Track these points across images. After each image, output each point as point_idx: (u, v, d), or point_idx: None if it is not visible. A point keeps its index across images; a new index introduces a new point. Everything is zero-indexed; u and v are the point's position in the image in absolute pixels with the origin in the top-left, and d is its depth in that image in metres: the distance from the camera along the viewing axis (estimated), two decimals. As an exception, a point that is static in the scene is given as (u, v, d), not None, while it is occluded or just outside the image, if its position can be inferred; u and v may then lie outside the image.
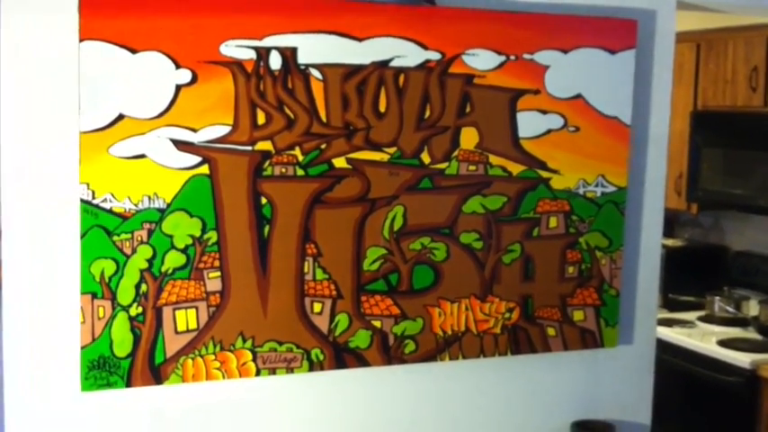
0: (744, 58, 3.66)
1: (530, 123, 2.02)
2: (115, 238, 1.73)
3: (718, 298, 3.83)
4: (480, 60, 1.97)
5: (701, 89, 3.85)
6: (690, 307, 3.94)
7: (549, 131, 2.04)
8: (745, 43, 3.64)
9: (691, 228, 4.35)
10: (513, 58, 1.99)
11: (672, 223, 4.34)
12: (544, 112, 2.03)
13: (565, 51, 2.03)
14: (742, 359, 3.29)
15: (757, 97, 3.61)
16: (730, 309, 3.78)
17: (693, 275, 4.08)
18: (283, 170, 1.85)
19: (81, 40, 1.69)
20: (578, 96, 2.05)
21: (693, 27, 3.80)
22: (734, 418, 3.32)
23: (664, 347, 3.44)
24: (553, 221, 2.07)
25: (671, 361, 3.52)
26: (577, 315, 2.11)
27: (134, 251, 1.75)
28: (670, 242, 4.18)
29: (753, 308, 3.73)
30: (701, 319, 3.82)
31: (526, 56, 2.00)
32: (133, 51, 1.72)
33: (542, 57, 2.01)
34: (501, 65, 1.98)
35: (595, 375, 2.18)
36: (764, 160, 3.49)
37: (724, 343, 3.46)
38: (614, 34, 2.07)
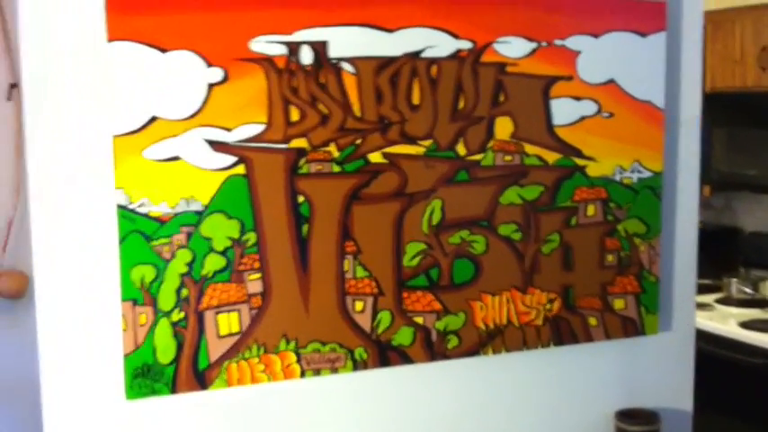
0: (752, 37, 3.65)
1: (563, 110, 1.99)
2: (154, 242, 1.69)
3: (735, 279, 3.83)
4: (512, 48, 1.93)
5: (710, 70, 3.84)
6: (706, 289, 3.93)
7: (582, 118, 2.01)
8: (753, 22, 3.63)
9: (703, 210, 4.32)
10: (544, 44, 1.95)
11: (683, 206, 4.33)
12: (577, 98, 2.00)
13: (596, 36, 2.00)
14: (767, 340, 3.28)
15: (767, 77, 3.60)
16: (748, 290, 3.78)
17: (708, 258, 4.05)
18: (319, 167, 1.81)
19: (109, 41, 1.64)
20: (611, 81, 2.02)
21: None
22: (764, 399, 3.30)
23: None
24: (591, 209, 2.04)
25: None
26: (618, 303, 2.08)
27: (173, 256, 1.71)
28: (683, 225, 4.16)
29: (771, 288, 3.73)
30: (719, 301, 3.82)
31: (557, 42, 1.97)
32: (163, 51, 1.68)
33: (574, 42, 1.98)
34: (533, 52, 1.95)
35: (637, 363, 2.15)
36: (777, 140, 3.49)
37: (746, 324, 3.46)
38: (644, 17, 2.04)
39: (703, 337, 3.52)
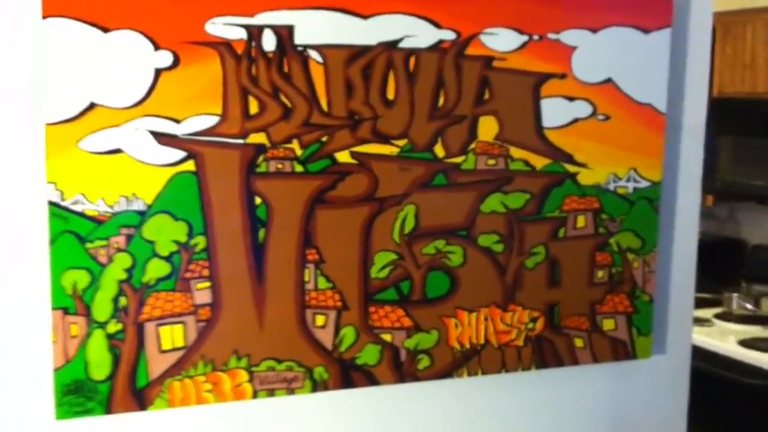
0: (764, 41, 3.47)
1: (555, 111, 1.81)
2: (89, 245, 1.52)
3: (735, 294, 3.65)
4: (500, 41, 1.75)
5: (718, 74, 3.66)
6: (705, 304, 3.75)
7: (576, 120, 1.83)
8: (765, 25, 3.44)
9: (705, 220, 4.15)
10: (536, 37, 1.78)
11: (684, 215, 4.15)
12: (571, 98, 1.82)
13: (594, 30, 1.82)
14: (766, 360, 3.11)
15: (778, 82, 3.43)
16: (749, 305, 3.60)
17: (708, 270, 3.88)
18: (279, 166, 1.64)
19: (44, 17, 1.47)
20: (609, 81, 1.84)
21: (709, 9, 3.60)
22: (761, 423, 3.13)
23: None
24: (581, 221, 1.86)
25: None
26: (607, 324, 1.91)
27: (111, 260, 1.53)
28: (683, 236, 3.99)
29: (773, 305, 3.55)
30: (718, 316, 3.65)
31: (551, 35, 1.79)
32: (105, 30, 1.50)
33: (569, 36, 1.80)
34: (523, 45, 1.77)
35: (626, 389, 1.98)
36: (786, 149, 3.31)
37: (745, 343, 3.28)
38: (648, 11, 1.86)
39: (699, 355, 3.35)
